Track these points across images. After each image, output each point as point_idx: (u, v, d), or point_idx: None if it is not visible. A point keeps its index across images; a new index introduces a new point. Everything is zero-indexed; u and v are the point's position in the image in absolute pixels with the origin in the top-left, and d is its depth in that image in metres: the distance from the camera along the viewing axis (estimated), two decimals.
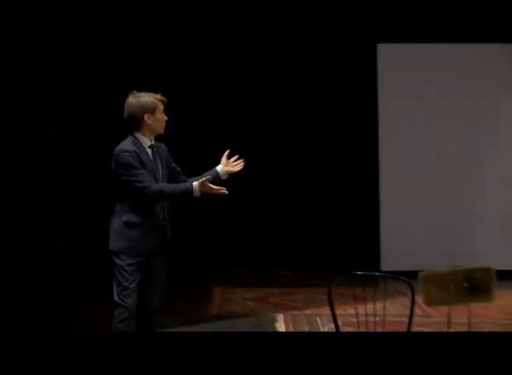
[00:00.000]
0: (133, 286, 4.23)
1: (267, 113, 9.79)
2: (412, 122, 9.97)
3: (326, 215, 9.55)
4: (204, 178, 4.15)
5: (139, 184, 4.20)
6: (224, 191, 4.18)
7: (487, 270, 3.80)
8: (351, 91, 10.02)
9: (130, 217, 4.25)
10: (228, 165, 4.43)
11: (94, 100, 8.36)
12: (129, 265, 4.22)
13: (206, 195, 4.25)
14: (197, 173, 4.44)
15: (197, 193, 4.17)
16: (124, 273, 4.23)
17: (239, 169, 4.43)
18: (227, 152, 4.38)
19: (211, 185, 4.15)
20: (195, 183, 4.13)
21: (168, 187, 4.31)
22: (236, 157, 4.39)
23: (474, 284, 3.78)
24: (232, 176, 4.58)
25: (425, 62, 10.00)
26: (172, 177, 4.37)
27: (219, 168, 4.38)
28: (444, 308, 4.10)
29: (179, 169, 4.47)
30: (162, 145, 4.49)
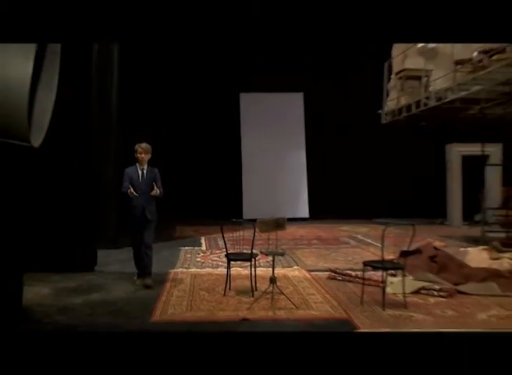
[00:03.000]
0: (135, 230, 5.29)
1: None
2: (258, 138, 11.88)
3: (224, 190, 11.59)
4: (132, 190, 5.03)
5: (122, 186, 5.22)
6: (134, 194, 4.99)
7: (283, 218, 4.95)
8: (225, 119, 11.76)
9: (131, 200, 5.21)
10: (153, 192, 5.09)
11: None
12: (132, 221, 5.31)
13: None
14: None
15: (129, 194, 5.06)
16: (131, 224, 5.37)
17: (155, 194, 5.09)
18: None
19: (133, 192, 5.04)
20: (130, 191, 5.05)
21: (123, 189, 5.13)
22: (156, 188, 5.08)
23: (279, 223, 4.88)
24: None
25: (270, 105, 11.81)
26: (152, 187, 5.17)
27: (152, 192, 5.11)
28: (267, 234, 5.13)
29: (157, 185, 5.15)
30: (155, 170, 5.30)
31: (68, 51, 4.18)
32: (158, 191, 5.14)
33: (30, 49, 2.98)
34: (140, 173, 5.26)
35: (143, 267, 5.36)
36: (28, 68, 2.95)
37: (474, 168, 10.41)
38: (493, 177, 10.62)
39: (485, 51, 7.09)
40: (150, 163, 5.35)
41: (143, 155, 5.20)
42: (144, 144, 5.23)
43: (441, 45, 9.00)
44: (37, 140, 3.39)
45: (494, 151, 10.64)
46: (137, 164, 5.29)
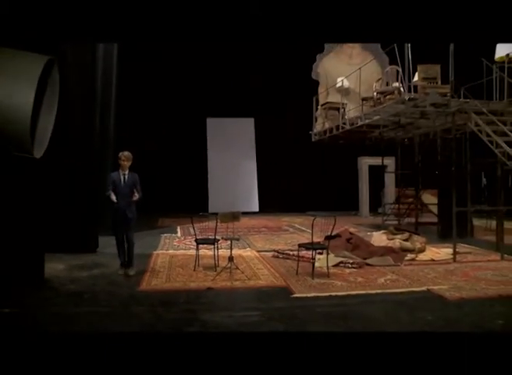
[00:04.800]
0: (118, 227, 4.65)
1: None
2: (220, 151, 11.43)
3: (193, 187, 11.09)
4: (112, 196, 4.42)
5: (106, 189, 4.59)
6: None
7: (238, 212, 4.86)
8: (195, 138, 11.39)
9: (116, 203, 4.54)
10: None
11: None
12: (115, 219, 4.65)
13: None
14: None
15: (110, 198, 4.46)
16: (114, 222, 4.72)
17: (135, 199, 4.46)
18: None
19: (113, 199, 4.42)
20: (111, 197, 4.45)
21: (107, 193, 4.50)
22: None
23: (235, 216, 4.78)
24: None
25: (229, 127, 11.41)
26: (133, 191, 4.57)
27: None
28: (226, 224, 5.01)
29: (137, 188, 4.56)
30: (135, 175, 4.62)
31: (76, 69, 3.92)
32: (137, 196, 4.53)
33: (33, 81, 2.78)
34: (122, 177, 4.58)
35: (127, 260, 4.71)
36: (31, 96, 2.77)
37: (376, 174, 10.97)
38: (390, 181, 11.20)
39: (381, 92, 7.48)
40: (131, 169, 4.69)
41: (125, 162, 4.55)
42: (126, 153, 4.59)
43: (352, 86, 9.45)
44: (38, 152, 3.17)
45: (390, 162, 10.97)
46: (120, 170, 4.62)
